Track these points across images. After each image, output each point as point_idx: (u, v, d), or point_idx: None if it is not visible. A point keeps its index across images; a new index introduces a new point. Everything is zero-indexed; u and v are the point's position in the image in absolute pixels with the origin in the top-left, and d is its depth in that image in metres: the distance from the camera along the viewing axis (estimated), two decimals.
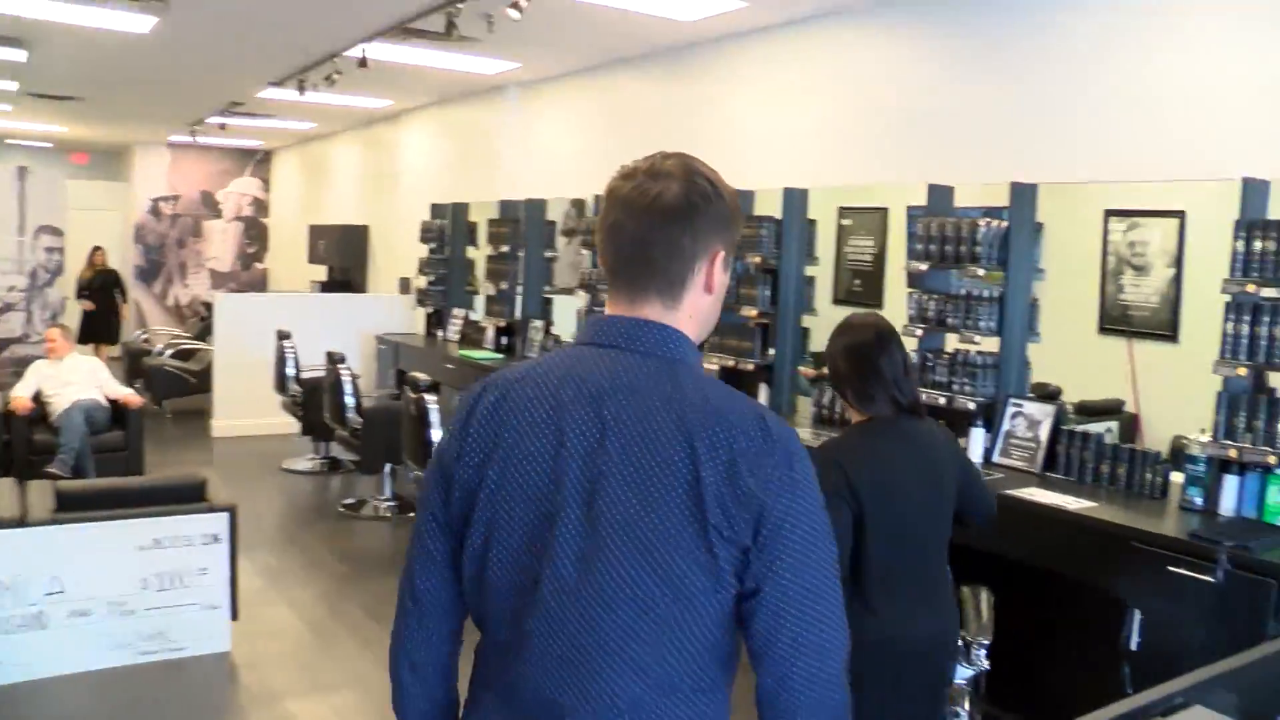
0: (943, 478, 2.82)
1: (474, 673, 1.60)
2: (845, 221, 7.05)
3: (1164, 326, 7.06)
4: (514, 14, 5.59)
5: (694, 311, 1.55)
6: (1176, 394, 5.46)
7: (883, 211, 6.88)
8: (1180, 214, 6.93)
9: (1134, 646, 3.75)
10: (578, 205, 8.08)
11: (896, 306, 6.97)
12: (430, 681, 1.66)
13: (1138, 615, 3.75)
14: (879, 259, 6.94)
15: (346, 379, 7.21)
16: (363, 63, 6.99)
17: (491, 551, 1.49)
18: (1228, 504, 3.97)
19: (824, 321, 6.75)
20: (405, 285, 10.37)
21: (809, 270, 6.00)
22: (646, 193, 1.51)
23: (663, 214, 1.50)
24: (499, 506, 1.48)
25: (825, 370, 2.88)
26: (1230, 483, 3.97)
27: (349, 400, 7.18)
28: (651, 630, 1.41)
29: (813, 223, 5.93)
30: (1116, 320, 6.19)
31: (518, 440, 1.48)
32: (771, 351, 5.91)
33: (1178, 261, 7.06)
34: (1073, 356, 5.85)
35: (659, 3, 5.98)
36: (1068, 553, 3.95)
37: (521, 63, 7.94)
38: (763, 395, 5.86)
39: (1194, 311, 5.77)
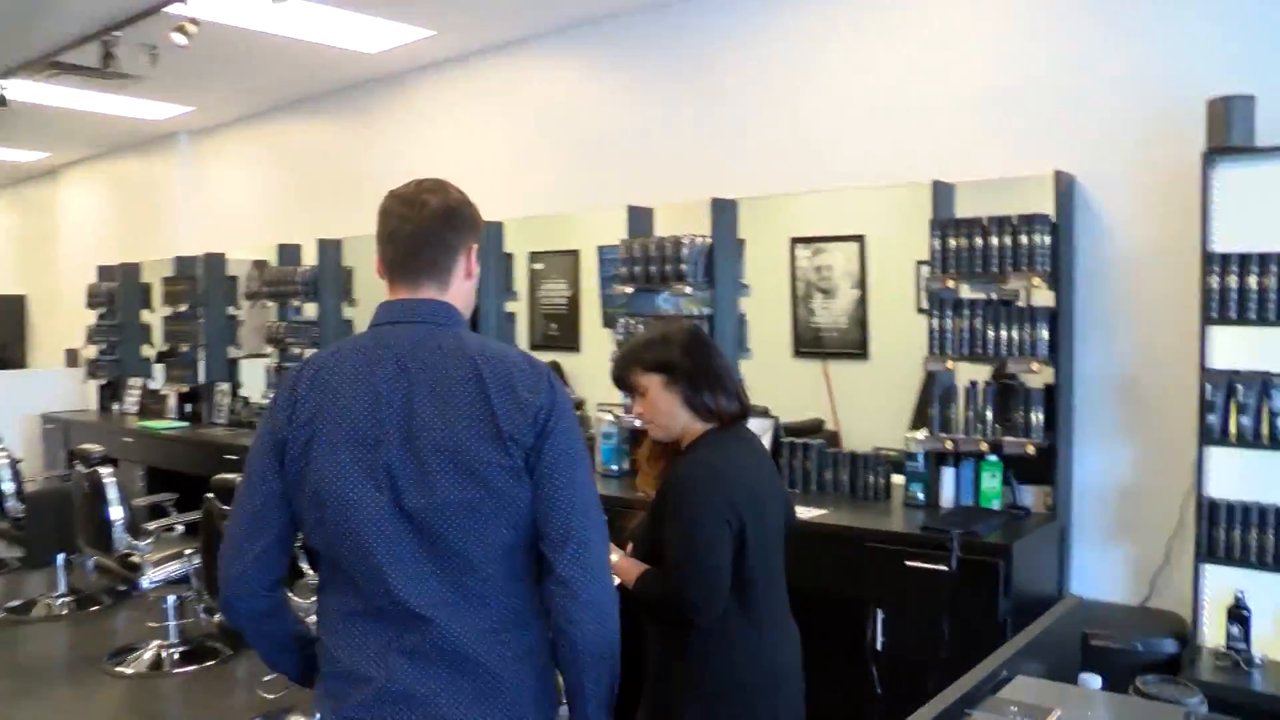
0: (778, 482, 2.62)
1: (330, 603, 1.84)
2: (537, 266, 6.86)
3: (854, 345, 7.31)
4: (180, 39, 4.98)
5: (458, 294, 1.94)
6: (870, 408, 5.56)
7: (574, 254, 6.74)
8: (860, 238, 7.24)
9: (879, 646, 3.66)
10: (260, 266, 7.45)
11: (594, 349, 6.88)
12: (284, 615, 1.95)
13: (880, 615, 3.66)
14: (573, 302, 6.79)
15: (3, 463, 6.19)
16: (1, 101, 6.09)
17: (329, 496, 1.77)
18: (947, 495, 3.99)
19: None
20: (73, 357, 9.20)
21: (509, 306, 5.70)
22: (418, 203, 1.91)
23: (432, 217, 1.90)
24: (334, 454, 1.78)
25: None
26: (948, 475, 3.99)
27: (6, 487, 6.16)
28: (481, 524, 1.77)
29: (509, 257, 5.64)
30: (810, 343, 6.28)
31: (342, 397, 1.80)
32: None
33: (861, 283, 7.36)
34: (772, 379, 5.88)
35: (342, 35, 5.57)
36: (804, 561, 3.79)
37: (194, 106, 7.24)
38: None
39: (880, 329, 5.95)
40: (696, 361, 2.46)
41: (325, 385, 1.82)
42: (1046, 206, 3.78)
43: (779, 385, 5.88)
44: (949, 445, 3.90)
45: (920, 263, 7.03)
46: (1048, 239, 3.72)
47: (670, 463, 2.50)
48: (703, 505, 2.31)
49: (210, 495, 3.98)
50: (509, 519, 1.78)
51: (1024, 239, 3.74)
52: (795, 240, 5.99)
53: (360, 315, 6.61)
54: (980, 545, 3.47)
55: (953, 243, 3.89)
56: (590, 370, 6.76)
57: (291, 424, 1.81)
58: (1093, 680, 1.84)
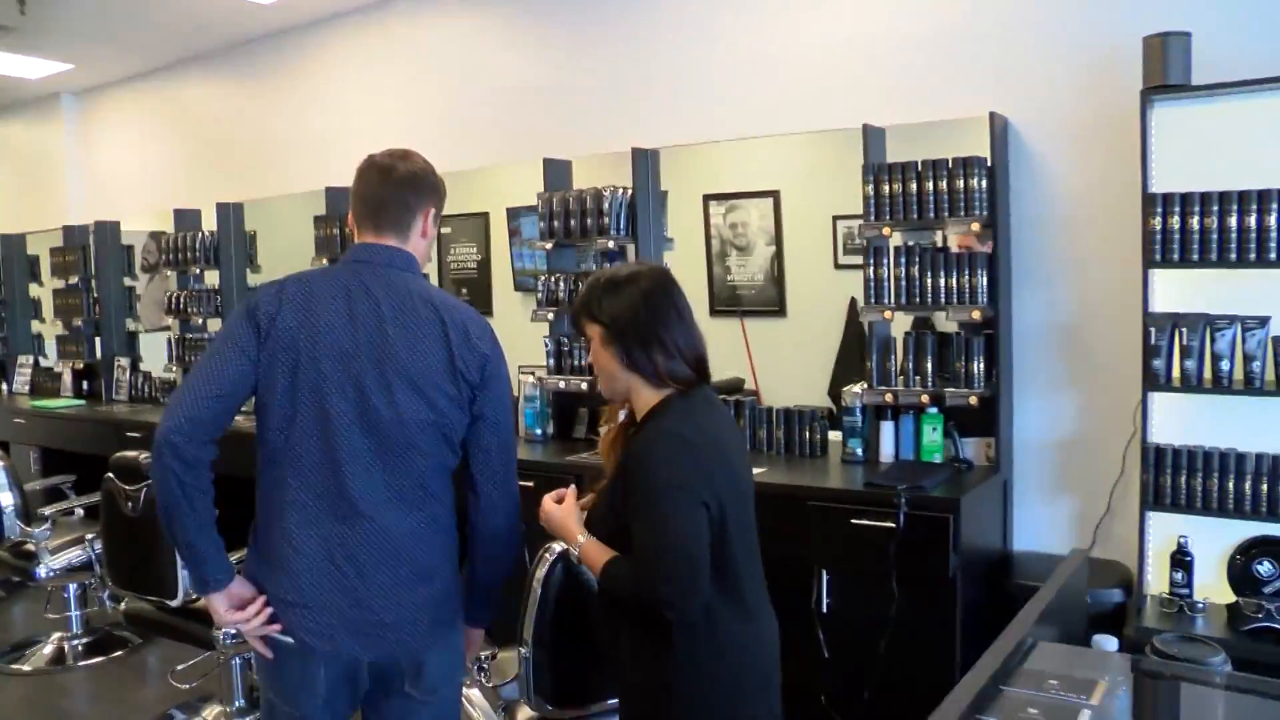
0: (745, 446, 2.42)
1: (273, 494, 2.12)
2: (445, 229, 6.59)
3: (771, 303, 7.20)
4: None
5: (416, 249, 2.24)
6: (789, 366, 5.44)
7: (484, 217, 6.48)
8: (775, 193, 7.09)
9: (825, 609, 3.52)
10: (157, 238, 6.99)
11: (506, 313, 6.63)
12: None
13: (825, 576, 3.52)
14: (484, 265, 6.55)
15: None
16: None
17: (304, 397, 2.06)
18: (887, 450, 3.86)
19: None
20: None
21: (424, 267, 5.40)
22: (388, 168, 2.21)
23: (398, 181, 2.20)
24: (315, 364, 2.06)
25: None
26: (887, 429, 3.86)
27: None
28: (430, 441, 2.13)
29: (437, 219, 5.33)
30: (727, 301, 6.14)
31: (323, 314, 2.07)
32: None
33: (777, 239, 7.22)
34: None
35: None
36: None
37: (73, 64, 6.72)
38: None
39: (797, 286, 5.82)
40: (643, 317, 2.08)
41: (306, 301, 2.10)
42: (981, 150, 3.64)
43: None
44: (889, 398, 3.76)
45: (837, 217, 6.95)
46: (984, 183, 3.59)
47: (627, 434, 2.17)
48: (674, 485, 1.96)
49: (110, 475, 3.65)
50: (449, 440, 2.16)
51: (960, 183, 3.60)
52: (708, 197, 5.85)
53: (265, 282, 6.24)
54: (927, 501, 3.34)
55: (885, 188, 3.73)
56: (503, 333, 6.46)
57: (275, 324, 2.07)
58: (1108, 642, 1.69)
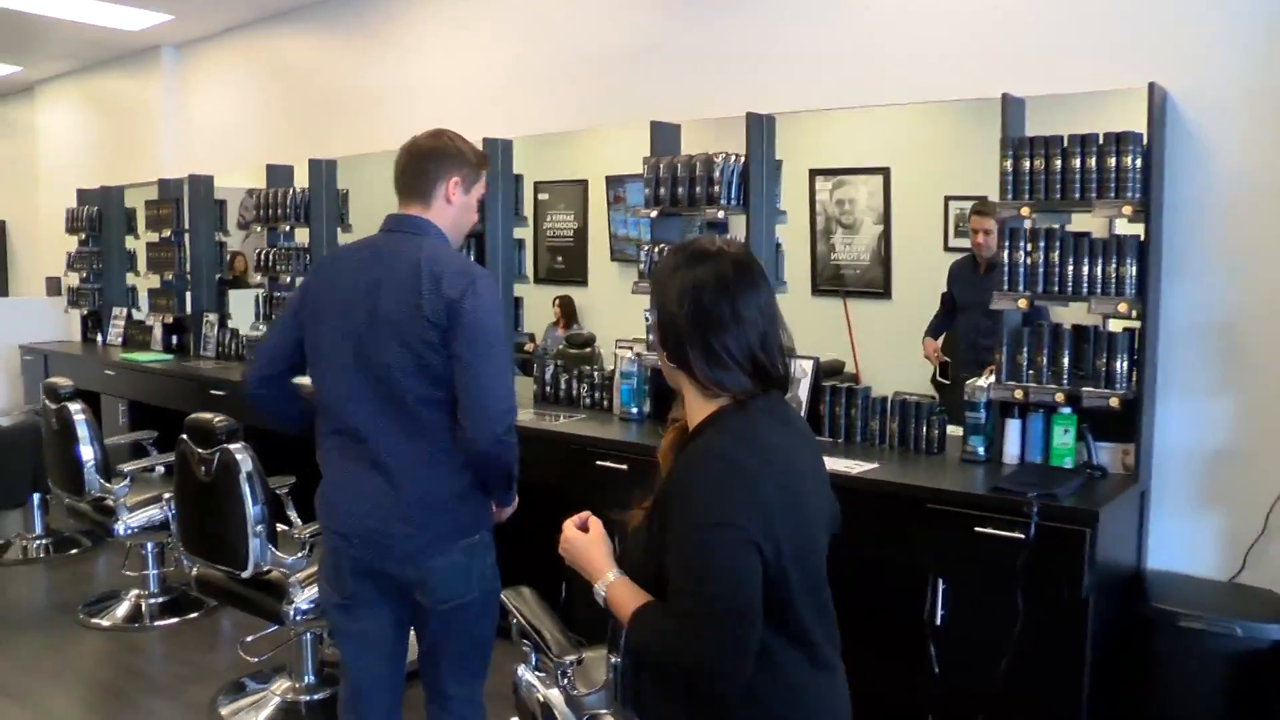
0: (824, 474, 1.86)
1: (319, 425, 2.57)
2: (543, 196, 6.32)
3: (876, 284, 6.80)
4: None
5: (440, 214, 2.51)
6: (892, 351, 5.09)
7: (583, 184, 6.19)
8: (885, 170, 6.68)
9: (939, 621, 3.18)
10: (255, 194, 6.83)
11: (602, 284, 6.34)
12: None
13: (940, 586, 3.18)
14: (581, 234, 6.26)
15: None
16: None
17: (319, 350, 2.50)
18: (1012, 451, 3.47)
19: (538, 292, 6.00)
20: (54, 285, 8.60)
21: (518, 232, 5.13)
22: (412, 143, 2.55)
23: (417, 154, 2.52)
24: (323, 321, 2.48)
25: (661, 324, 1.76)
26: (1013, 428, 3.47)
27: None
28: (415, 380, 2.40)
29: (518, 179, 5.05)
30: (830, 280, 5.82)
31: (339, 280, 2.48)
32: None
33: (885, 218, 6.81)
34: (789, 318, 5.42)
35: None
36: (850, 523, 3.31)
37: (173, 15, 6.56)
38: None
39: (904, 267, 5.46)
40: (687, 311, 1.67)
41: (329, 271, 2.55)
42: (1136, 124, 3.22)
43: (796, 324, 5.43)
44: (1018, 395, 3.38)
45: (949, 198, 6.53)
46: (1138, 161, 3.17)
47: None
48: (720, 522, 1.56)
49: (184, 437, 3.45)
50: (431, 379, 2.39)
51: (1111, 161, 3.19)
52: (814, 172, 5.52)
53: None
54: (1061, 511, 2.96)
55: (1026, 165, 3.33)
56: (599, 305, 6.22)
57: (304, 297, 2.54)
58: None
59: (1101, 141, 3.20)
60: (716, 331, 1.67)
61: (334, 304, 2.44)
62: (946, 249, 6.55)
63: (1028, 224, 3.37)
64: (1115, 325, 3.40)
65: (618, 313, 6.22)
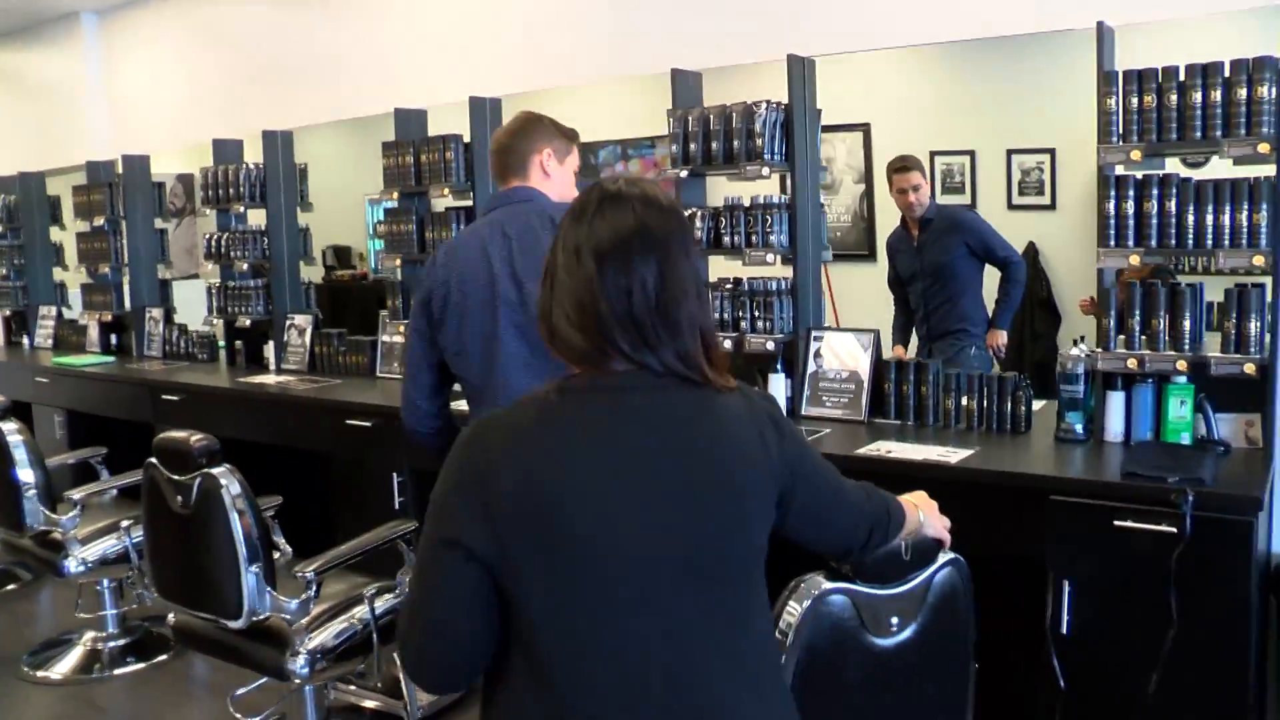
0: (717, 481, 1.34)
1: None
2: None
3: (858, 246, 6.30)
4: None
5: (538, 186, 2.54)
6: (878, 317, 4.57)
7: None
8: (865, 126, 6.16)
9: (1065, 629, 2.65)
10: (186, 180, 6.06)
11: None
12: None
13: (1067, 588, 2.65)
14: None
15: None
16: None
17: (466, 334, 2.44)
18: (1114, 428, 2.97)
19: None
20: None
21: None
22: (502, 127, 2.65)
23: (507, 134, 2.57)
24: (463, 305, 2.43)
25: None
26: (1116, 402, 2.96)
27: None
28: (536, 351, 2.31)
29: None
30: None
31: (470, 266, 2.44)
32: None
33: (866, 177, 6.30)
34: None
35: None
36: (959, 520, 2.79)
37: None
38: None
39: (888, 228, 4.98)
40: (568, 277, 1.33)
41: (449, 259, 2.50)
42: (1257, 48, 2.71)
43: None
44: (1132, 364, 2.86)
45: (935, 153, 6.06)
46: (1274, 91, 2.66)
47: None
48: (434, 513, 1.31)
49: (154, 461, 2.76)
50: None
51: (1241, 93, 2.67)
52: None
53: (317, 222, 5.31)
54: (1218, 499, 2.46)
55: (1134, 101, 2.81)
56: None
57: (434, 289, 2.47)
58: None
59: (1229, 72, 2.69)
60: (591, 295, 1.31)
61: (471, 289, 2.41)
62: None
63: (1139, 173, 2.85)
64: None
65: None
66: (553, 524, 1.24)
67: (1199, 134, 2.73)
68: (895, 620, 1.81)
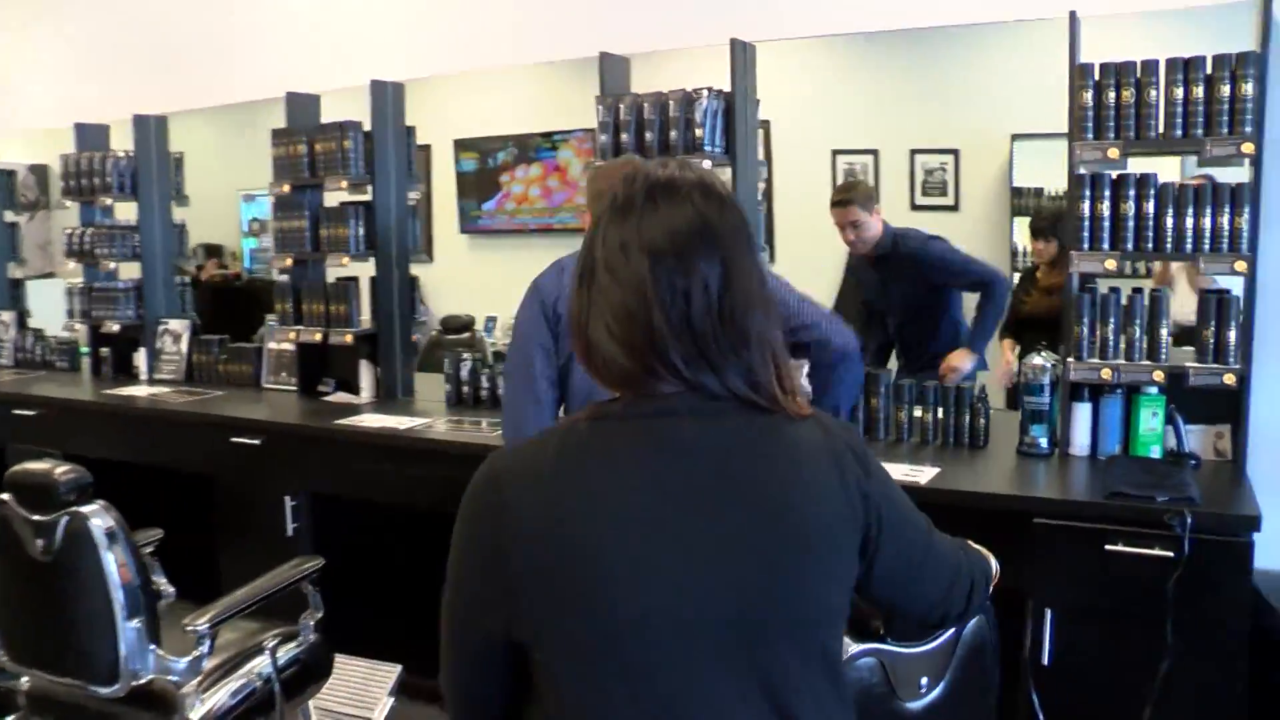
0: (785, 528, 1.08)
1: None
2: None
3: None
4: None
5: None
6: None
7: (425, 150, 5.26)
8: (765, 124, 5.94)
9: (1045, 660, 2.42)
10: (39, 172, 5.39)
11: (449, 260, 5.43)
12: None
13: (1049, 616, 2.42)
14: (425, 202, 5.38)
15: None
16: None
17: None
18: (1080, 441, 2.77)
19: (442, 270, 5.08)
20: None
21: (413, 196, 4.06)
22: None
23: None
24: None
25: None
26: (1082, 413, 2.76)
27: None
28: None
29: (411, 130, 3.96)
30: None
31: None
32: (365, 317, 3.93)
33: (767, 177, 6.08)
34: None
35: None
36: None
37: None
38: (367, 377, 3.87)
39: (788, 229, 4.82)
40: (587, 249, 1.11)
41: (566, 274, 2.24)
42: (1240, 42, 2.54)
43: None
44: (1105, 375, 2.66)
45: (837, 151, 5.89)
46: (1251, 88, 2.49)
47: None
48: (452, 588, 1.13)
49: (6, 498, 2.25)
50: None
51: (1225, 89, 2.49)
52: None
53: (194, 217, 4.75)
54: (1211, 519, 2.26)
55: (1110, 96, 2.60)
56: (446, 286, 5.23)
57: (557, 301, 2.28)
58: None
59: (1211, 68, 2.51)
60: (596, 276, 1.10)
61: None
62: (834, 206, 5.90)
63: (1112, 172, 2.65)
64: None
65: (470, 293, 5.30)
66: (578, 585, 1.03)
67: (1179, 132, 2.54)
68: (925, 681, 1.54)
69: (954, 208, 5.66)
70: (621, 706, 1.04)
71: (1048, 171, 5.46)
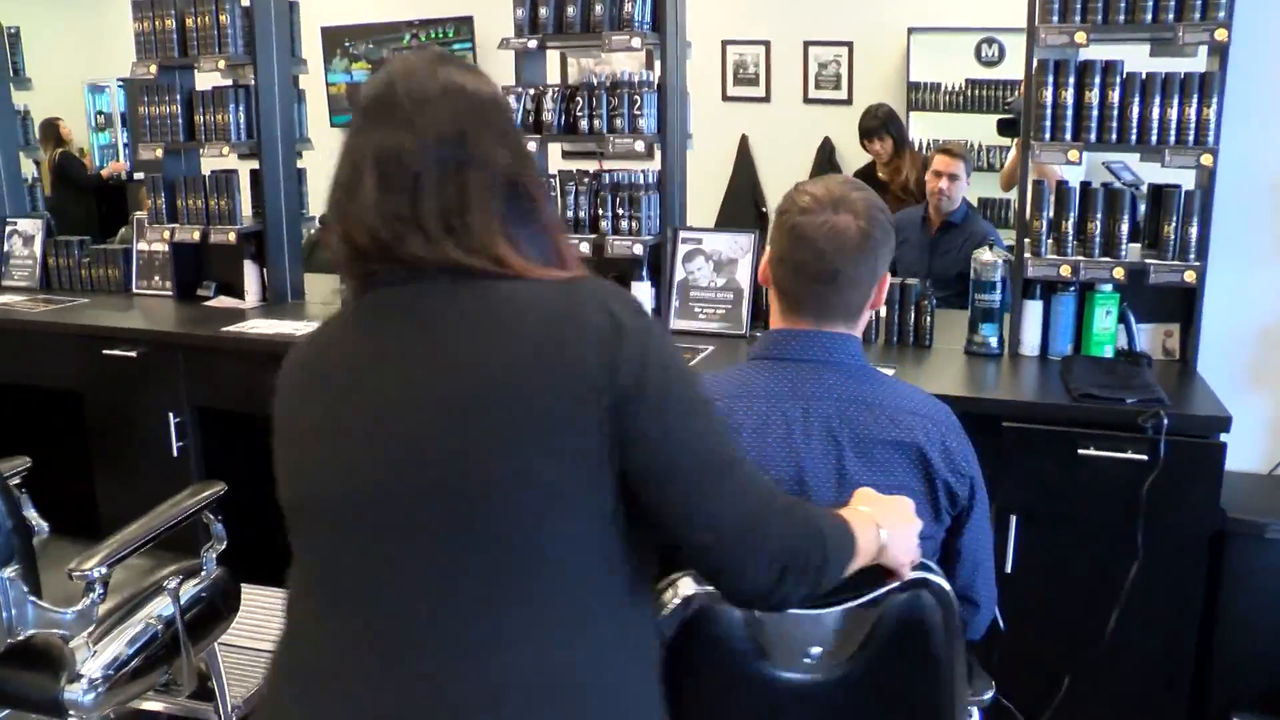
0: (480, 393, 0.99)
1: None
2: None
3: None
4: None
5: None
6: None
7: None
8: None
9: (1009, 568, 2.29)
10: None
11: (321, 151, 4.97)
12: None
13: (1014, 523, 2.27)
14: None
15: None
16: None
17: None
18: (1030, 340, 2.62)
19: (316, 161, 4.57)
20: None
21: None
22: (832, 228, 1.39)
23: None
24: None
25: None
26: (1033, 311, 2.60)
27: None
28: None
29: (294, 5, 3.46)
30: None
31: None
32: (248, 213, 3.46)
33: None
34: None
35: None
36: None
37: None
38: (252, 279, 3.42)
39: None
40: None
41: None
42: None
43: None
44: (1065, 271, 2.49)
45: (727, 42, 5.61)
46: None
47: None
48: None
49: None
50: None
51: None
52: None
53: (37, 102, 4.11)
54: (1186, 421, 2.15)
55: None
56: (318, 181, 4.77)
57: None
58: None
59: None
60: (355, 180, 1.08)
61: None
62: (725, 99, 5.62)
63: (1080, 55, 2.44)
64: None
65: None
66: (282, 459, 1.07)
67: (1149, 16, 2.34)
68: (815, 651, 1.27)
69: (848, 101, 5.46)
70: (316, 586, 1.03)
71: (947, 66, 5.32)
